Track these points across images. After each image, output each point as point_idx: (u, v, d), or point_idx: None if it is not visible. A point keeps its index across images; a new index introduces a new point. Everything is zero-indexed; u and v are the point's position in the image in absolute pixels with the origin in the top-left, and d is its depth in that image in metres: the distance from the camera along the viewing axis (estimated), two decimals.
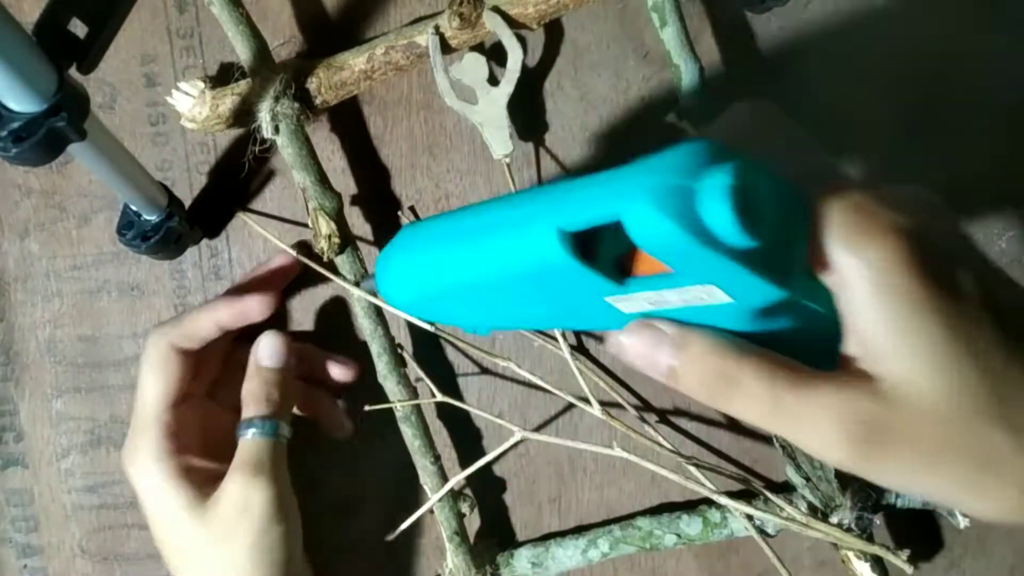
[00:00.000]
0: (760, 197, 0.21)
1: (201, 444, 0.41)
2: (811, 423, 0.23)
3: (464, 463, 0.45)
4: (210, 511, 0.38)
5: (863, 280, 0.23)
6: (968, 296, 0.23)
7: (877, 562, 0.42)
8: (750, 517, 0.43)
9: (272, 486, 0.38)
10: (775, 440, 0.43)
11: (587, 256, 0.24)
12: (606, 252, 0.24)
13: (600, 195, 0.23)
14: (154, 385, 0.40)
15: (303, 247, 0.45)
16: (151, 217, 0.41)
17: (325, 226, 0.40)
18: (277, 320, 0.46)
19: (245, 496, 0.38)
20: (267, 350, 0.41)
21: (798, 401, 0.24)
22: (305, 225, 0.45)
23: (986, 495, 0.24)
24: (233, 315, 0.41)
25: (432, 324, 0.42)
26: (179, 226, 0.42)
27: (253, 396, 0.40)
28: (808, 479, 0.43)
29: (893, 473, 0.24)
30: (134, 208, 0.40)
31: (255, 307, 0.41)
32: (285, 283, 0.45)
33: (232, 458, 0.39)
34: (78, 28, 0.31)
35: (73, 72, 0.31)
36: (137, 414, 0.40)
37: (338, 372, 0.45)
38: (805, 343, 0.25)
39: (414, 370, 0.44)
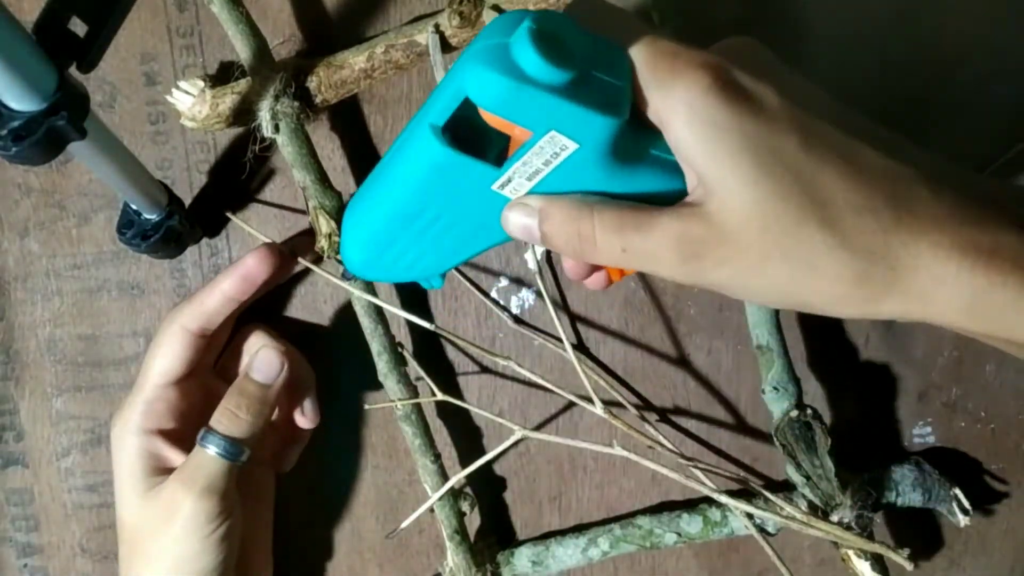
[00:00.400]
0: (565, 38, 0.25)
1: (193, 421, 0.41)
2: (654, 253, 0.27)
3: (464, 462, 0.45)
4: (150, 500, 0.39)
5: (676, 114, 0.25)
6: (772, 113, 0.25)
7: (877, 560, 0.42)
8: (750, 516, 0.43)
9: (206, 502, 0.38)
10: (775, 439, 0.43)
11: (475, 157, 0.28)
12: (490, 152, 0.28)
13: (446, 83, 0.27)
14: (155, 362, 0.40)
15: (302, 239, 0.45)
16: (151, 216, 0.41)
17: (325, 225, 0.40)
18: (277, 318, 0.46)
19: (175, 501, 0.38)
20: (261, 363, 0.41)
21: (642, 238, 0.27)
22: (304, 213, 0.45)
23: (817, 290, 0.26)
24: (235, 281, 0.40)
25: (433, 324, 0.42)
26: (179, 225, 0.42)
27: (230, 410, 0.39)
28: (808, 477, 0.43)
29: (727, 281, 0.27)
30: (134, 207, 0.40)
31: (254, 266, 0.40)
32: (282, 279, 0.45)
33: None
34: (78, 27, 0.31)
35: (73, 71, 0.31)
36: (134, 386, 0.41)
37: (301, 420, 0.44)
38: (670, 197, 0.28)
39: (414, 369, 0.44)
